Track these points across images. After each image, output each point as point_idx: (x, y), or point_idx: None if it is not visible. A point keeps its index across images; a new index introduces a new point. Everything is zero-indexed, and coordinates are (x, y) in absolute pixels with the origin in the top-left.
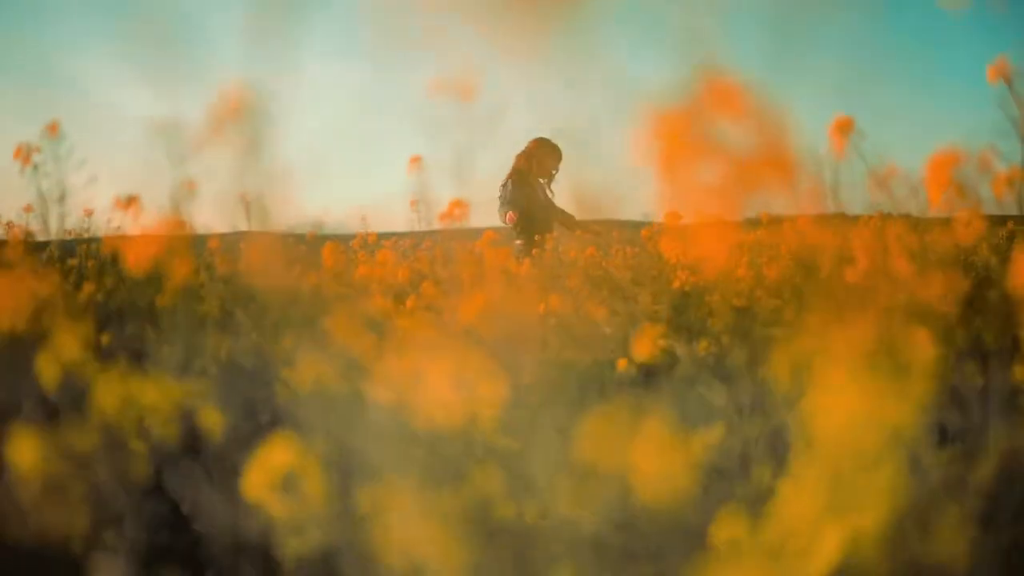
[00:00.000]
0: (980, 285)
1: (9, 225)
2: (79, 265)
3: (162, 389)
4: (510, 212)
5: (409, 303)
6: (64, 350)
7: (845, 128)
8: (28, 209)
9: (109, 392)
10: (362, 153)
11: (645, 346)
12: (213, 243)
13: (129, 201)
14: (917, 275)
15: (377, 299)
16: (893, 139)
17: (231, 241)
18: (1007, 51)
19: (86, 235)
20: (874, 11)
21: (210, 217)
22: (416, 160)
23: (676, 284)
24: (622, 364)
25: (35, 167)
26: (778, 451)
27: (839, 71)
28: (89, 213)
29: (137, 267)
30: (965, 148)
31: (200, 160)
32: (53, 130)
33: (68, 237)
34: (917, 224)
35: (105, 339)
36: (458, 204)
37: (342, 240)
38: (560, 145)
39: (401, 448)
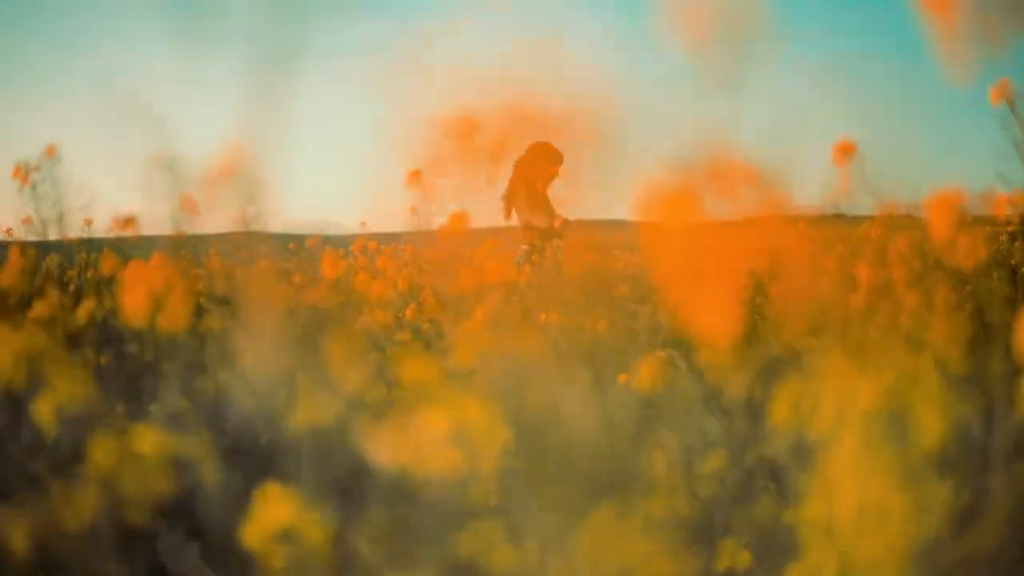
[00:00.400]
0: (982, 310)
1: (8, 232)
2: (78, 276)
3: (157, 437)
4: (558, 219)
5: (409, 313)
6: (62, 388)
7: (848, 151)
8: (27, 221)
9: (106, 446)
10: (362, 152)
11: (647, 371)
12: (213, 257)
13: (128, 221)
14: (919, 297)
15: (377, 314)
16: (895, 151)
17: (230, 243)
18: (1010, 72)
19: (85, 237)
20: (874, 27)
21: (208, 220)
22: (416, 174)
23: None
24: (622, 379)
25: (33, 186)
26: (779, 481)
27: (844, 89)
28: (89, 223)
29: (134, 316)
30: (967, 187)
31: (201, 191)
32: (51, 152)
33: (67, 242)
34: (916, 225)
35: (104, 360)
36: (458, 217)
37: (341, 242)
38: (560, 149)
39: (397, 499)
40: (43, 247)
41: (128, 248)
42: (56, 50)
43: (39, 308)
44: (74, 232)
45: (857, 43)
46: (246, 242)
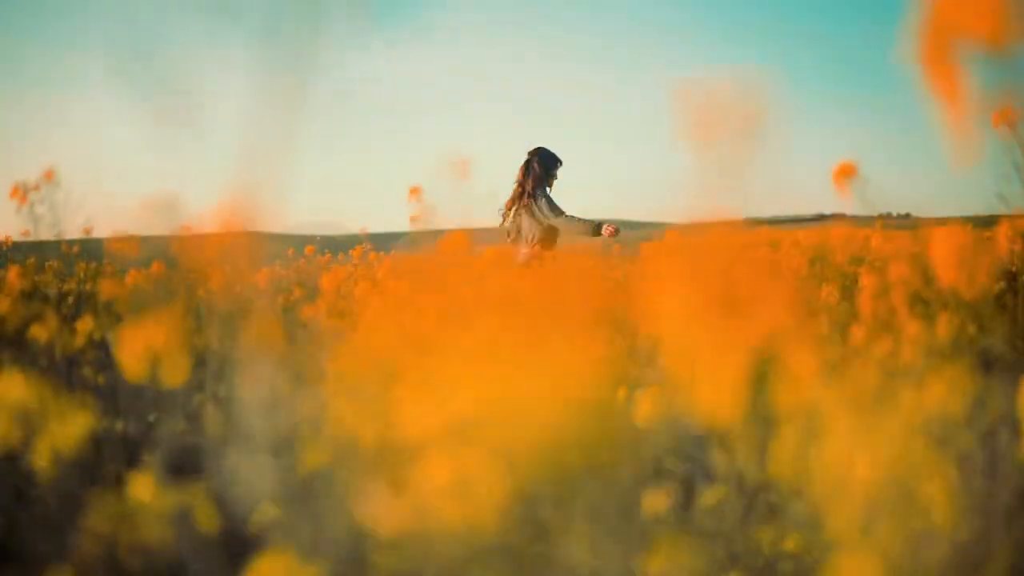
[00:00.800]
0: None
1: (7, 240)
2: (78, 287)
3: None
4: (608, 226)
5: (408, 322)
6: (59, 433)
7: (847, 173)
8: (25, 233)
9: (104, 509)
10: (364, 154)
11: (646, 406)
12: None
13: (128, 239)
14: (920, 327)
15: (377, 333)
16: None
17: (230, 245)
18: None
19: (84, 238)
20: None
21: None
22: (416, 191)
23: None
24: (622, 392)
25: (31, 207)
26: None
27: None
28: (88, 231)
29: (133, 370)
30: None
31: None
32: (49, 176)
33: (65, 249)
34: (915, 225)
35: (101, 379)
36: (458, 235)
37: (341, 244)
38: (559, 153)
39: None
40: (41, 252)
41: (126, 257)
42: (56, 54)
43: (37, 331)
44: (73, 233)
45: (859, 59)
46: (245, 245)
